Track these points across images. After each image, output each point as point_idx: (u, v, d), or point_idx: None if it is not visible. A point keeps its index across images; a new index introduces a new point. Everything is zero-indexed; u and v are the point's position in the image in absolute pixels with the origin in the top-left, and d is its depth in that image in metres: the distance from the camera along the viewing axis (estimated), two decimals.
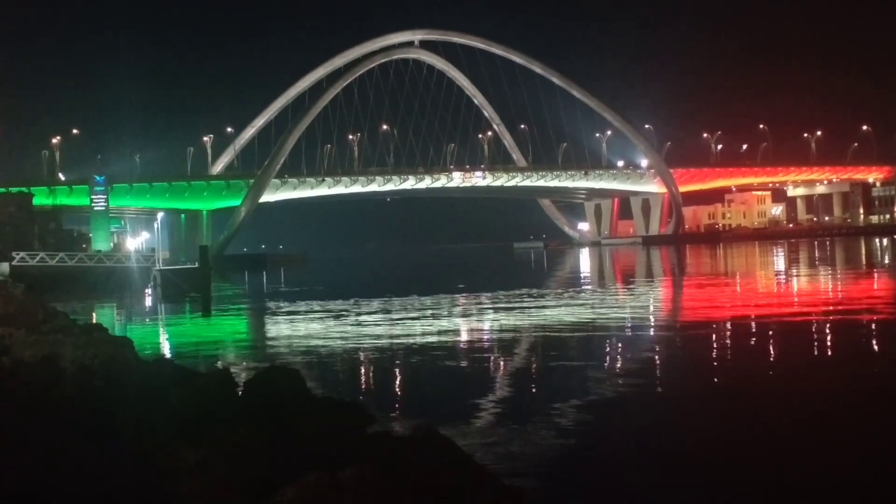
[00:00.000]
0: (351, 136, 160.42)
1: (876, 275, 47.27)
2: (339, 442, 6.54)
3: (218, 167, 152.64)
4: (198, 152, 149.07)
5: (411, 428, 10.67)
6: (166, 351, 23.23)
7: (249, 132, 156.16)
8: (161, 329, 32.00)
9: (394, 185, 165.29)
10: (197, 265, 51.63)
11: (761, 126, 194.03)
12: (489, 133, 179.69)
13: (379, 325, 27.43)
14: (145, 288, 55.11)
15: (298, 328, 28.71)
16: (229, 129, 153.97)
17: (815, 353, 18.08)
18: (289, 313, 35.59)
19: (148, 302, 47.94)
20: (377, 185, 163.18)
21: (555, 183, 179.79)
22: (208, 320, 35.06)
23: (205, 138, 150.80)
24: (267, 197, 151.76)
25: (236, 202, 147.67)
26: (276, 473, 5.82)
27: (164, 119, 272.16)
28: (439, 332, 24.31)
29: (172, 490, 5.70)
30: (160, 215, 78.41)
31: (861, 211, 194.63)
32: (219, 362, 18.72)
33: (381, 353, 20.22)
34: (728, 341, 20.79)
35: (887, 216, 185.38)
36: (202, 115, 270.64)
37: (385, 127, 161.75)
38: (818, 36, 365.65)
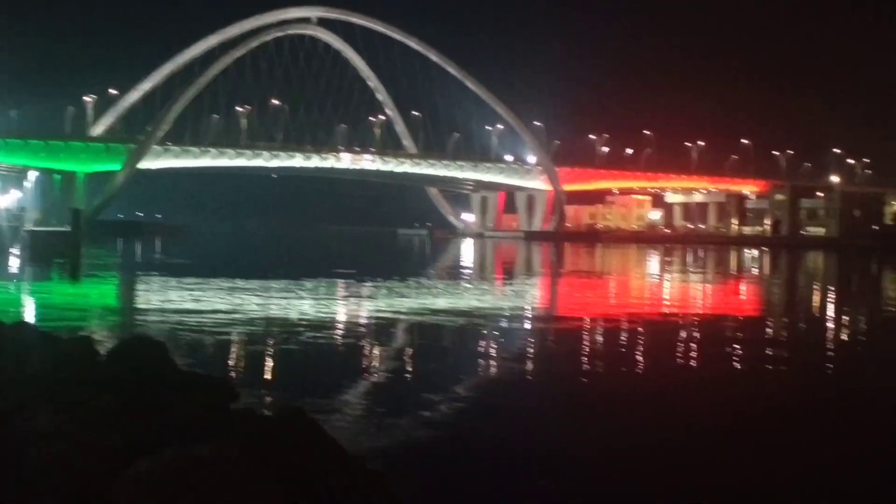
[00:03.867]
0: (240, 109, 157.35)
1: (741, 282, 49.22)
2: (201, 417, 6.39)
3: (98, 129, 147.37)
4: (78, 112, 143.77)
5: (277, 408, 10.56)
6: (29, 315, 22.34)
7: (134, 95, 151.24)
8: (25, 292, 30.76)
9: (281, 161, 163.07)
10: (68, 228, 49.82)
11: (646, 132, 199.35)
12: (382, 117, 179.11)
13: (255, 303, 27.03)
14: (11, 248, 52.87)
15: (170, 300, 28.04)
16: (113, 91, 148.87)
17: (680, 350, 18.65)
18: (162, 285, 34.72)
19: (14, 263, 45.99)
20: (263, 161, 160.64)
21: (444, 172, 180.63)
22: (76, 286, 33.90)
23: (86, 98, 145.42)
24: (148, 163, 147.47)
25: (115, 166, 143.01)
26: (134, 444, 5.64)
27: (44, 74, 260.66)
28: (316, 315, 24.11)
29: (26, 455, 5.48)
30: (33, 174, 75.30)
31: (734, 221, 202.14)
32: (83, 329, 18.10)
33: (254, 332, 19.92)
34: (599, 336, 21.26)
35: (759, 228, 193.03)
36: (85, 73, 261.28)
37: (276, 102, 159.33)
38: (705, 50, 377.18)
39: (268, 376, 14.39)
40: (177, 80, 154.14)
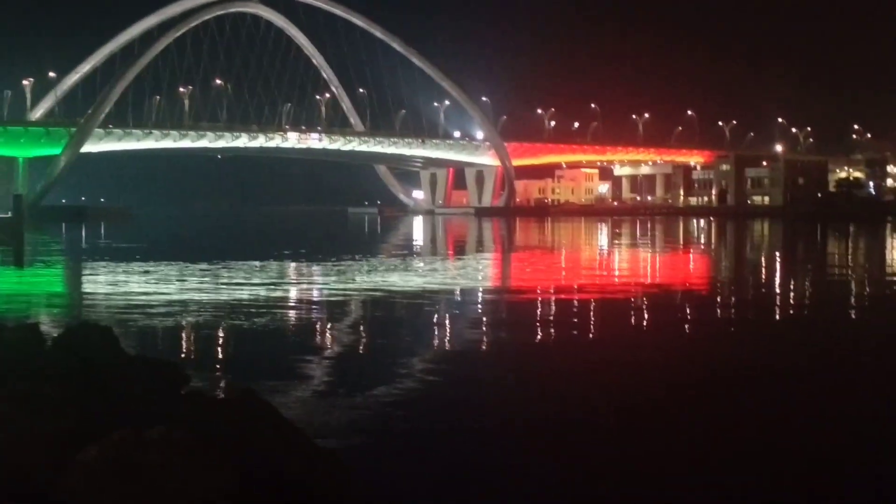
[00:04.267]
0: (182, 89, 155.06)
1: (689, 252, 49.87)
2: (151, 402, 6.29)
3: (37, 113, 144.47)
4: (17, 96, 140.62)
5: (228, 389, 10.46)
6: None
7: (73, 78, 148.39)
8: None
9: (226, 141, 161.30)
10: (10, 215, 48.84)
11: (592, 105, 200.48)
12: (327, 95, 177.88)
13: (204, 286, 26.75)
14: None
15: (117, 286, 27.65)
16: (52, 74, 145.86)
17: (631, 320, 18.84)
18: (108, 270, 34.21)
19: None
20: (208, 142, 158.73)
21: (392, 150, 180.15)
22: (20, 273, 33.28)
23: (24, 81, 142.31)
24: (89, 147, 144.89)
25: (56, 151, 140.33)
26: (82, 431, 5.54)
27: None
28: (267, 296, 23.94)
29: None
30: None
31: (681, 192, 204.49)
32: (29, 317, 17.78)
33: (204, 315, 19.72)
34: (553, 309, 21.40)
35: (705, 198, 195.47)
36: (22, 56, 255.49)
37: (219, 82, 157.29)
38: (649, 22, 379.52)
39: (219, 359, 14.25)
40: (117, 61, 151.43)
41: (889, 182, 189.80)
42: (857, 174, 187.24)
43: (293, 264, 37.47)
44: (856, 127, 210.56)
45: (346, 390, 11.54)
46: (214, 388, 10.51)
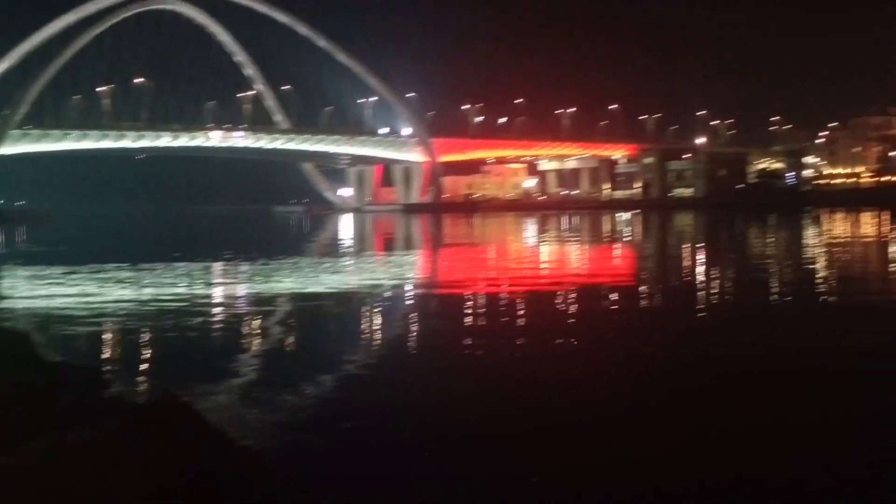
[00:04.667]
0: (102, 89, 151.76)
1: (615, 244, 50.57)
2: (71, 408, 6.21)
3: None
4: None
5: (150, 394, 10.33)
6: None
7: None
8: None
9: (147, 141, 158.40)
10: None
11: (518, 101, 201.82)
12: (251, 92, 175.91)
13: (126, 289, 26.26)
14: None
15: (37, 290, 27.00)
16: None
17: (562, 315, 19.05)
18: (28, 274, 33.39)
19: None
20: (129, 141, 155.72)
21: (318, 147, 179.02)
22: None
23: None
24: (7, 149, 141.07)
25: None
26: (5, 437, 5.45)
27: None
28: (191, 299, 23.60)
29: None
30: None
31: (607, 186, 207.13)
32: None
33: (126, 320, 19.37)
34: (482, 306, 21.51)
35: (630, 192, 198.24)
36: None
37: (139, 80, 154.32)
38: (573, 17, 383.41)
39: (141, 363, 14.03)
40: (34, 61, 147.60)
41: (807, 172, 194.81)
42: (777, 165, 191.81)
43: (218, 265, 37.01)
44: (774, 119, 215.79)
45: (268, 391, 11.46)
46: (135, 393, 10.35)
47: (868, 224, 66.44)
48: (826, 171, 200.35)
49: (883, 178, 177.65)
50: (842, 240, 48.14)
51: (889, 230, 56.36)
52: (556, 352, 14.32)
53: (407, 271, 34.75)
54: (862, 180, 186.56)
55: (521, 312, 19.98)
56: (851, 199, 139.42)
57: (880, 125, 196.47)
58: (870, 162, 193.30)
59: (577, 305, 21.13)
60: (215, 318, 19.84)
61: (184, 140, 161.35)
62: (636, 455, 8.57)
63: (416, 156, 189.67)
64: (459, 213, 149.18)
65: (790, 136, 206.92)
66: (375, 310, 21.12)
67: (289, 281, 28.79)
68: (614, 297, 22.92)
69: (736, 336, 15.81)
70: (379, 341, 16.31)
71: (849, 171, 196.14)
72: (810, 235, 54.37)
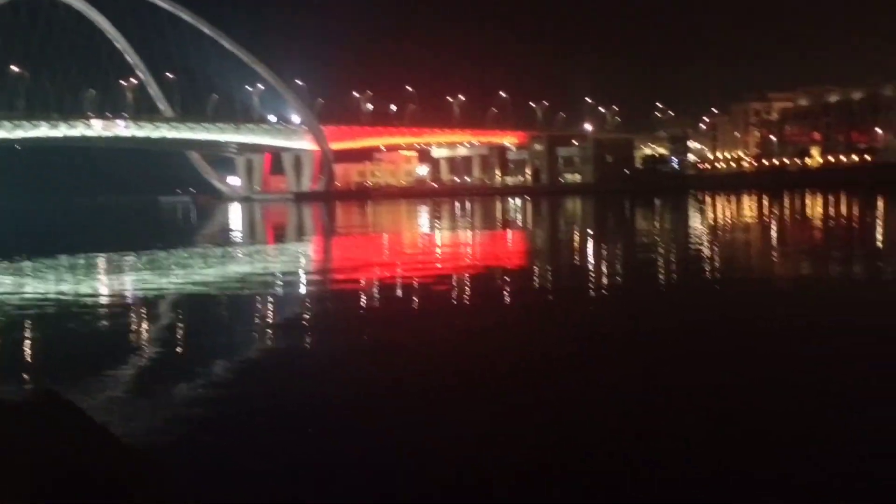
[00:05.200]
0: None
1: (506, 230, 51.01)
2: None
3: None
4: None
5: (28, 392, 9.79)
6: None
7: None
8: None
9: (24, 131, 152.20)
10: None
11: (409, 88, 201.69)
12: (133, 80, 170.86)
13: (5, 286, 25.09)
14: None
15: None
16: None
17: (457, 301, 18.98)
18: None
19: None
20: (5, 132, 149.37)
21: (204, 136, 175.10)
22: None
23: None
24: None
25: None
26: None
27: None
28: (75, 295, 22.68)
29: None
30: None
31: (498, 173, 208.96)
32: None
33: (4, 317, 18.46)
34: (377, 295, 21.29)
35: (521, 178, 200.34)
36: None
37: (15, 69, 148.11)
38: (464, 4, 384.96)
39: (21, 361, 13.34)
40: None
41: (691, 157, 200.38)
42: (662, 150, 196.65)
43: (102, 258, 35.78)
44: (659, 105, 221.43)
45: (158, 388, 11.04)
46: (14, 391, 9.79)
47: (749, 207, 68.69)
48: (709, 156, 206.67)
49: (763, 163, 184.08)
50: (725, 222, 49.59)
51: (769, 213, 58.36)
52: (446, 337, 14.22)
53: (299, 260, 34.22)
54: (743, 164, 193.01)
55: (414, 299, 19.83)
56: (733, 183, 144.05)
57: (760, 110, 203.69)
58: (750, 146, 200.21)
59: (469, 291, 21.10)
60: (104, 314, 19.08)
61: (63, 129, 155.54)
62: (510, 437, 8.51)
63: (306, 143, 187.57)
64: (352, 202, 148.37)
65: (675, 122, 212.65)
66: (267, 301, 20.66)
67: (177, 274, 27.98)
68: (506, 281, 22.99)
69: (614, 320, 16.00)
70: (270, 332, 15.92)
71: (730, 155, 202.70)
72: (696, 219, 55.85)
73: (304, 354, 13.39)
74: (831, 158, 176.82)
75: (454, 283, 22.59)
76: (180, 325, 17.28)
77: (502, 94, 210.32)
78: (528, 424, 8.99)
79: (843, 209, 59.86)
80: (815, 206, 65.22)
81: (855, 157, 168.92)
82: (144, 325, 16.98)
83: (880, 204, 64.09)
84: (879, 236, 36.03)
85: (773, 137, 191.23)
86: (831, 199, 75.16)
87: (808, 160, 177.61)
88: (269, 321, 17.32)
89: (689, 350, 12.65)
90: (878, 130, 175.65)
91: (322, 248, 42.26)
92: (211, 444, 8.65)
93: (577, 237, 43.43)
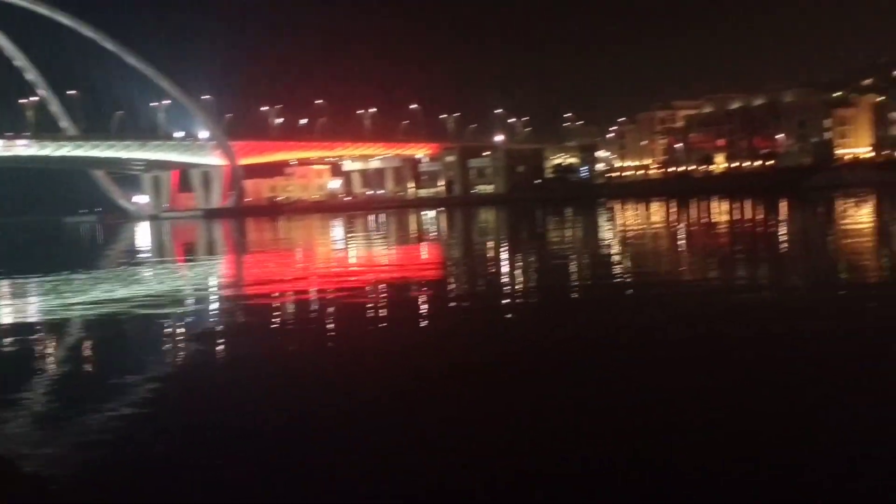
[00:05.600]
0: None
1: (421, 242, 50.84)
2: None
3: None
4: None
5: None
6: None
7: None
8: None
9: None
10: None
11: (319, 101, 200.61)
12: (34, 98, 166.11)
13: None
14: None
15: None
16: None
17: (373, 316, 18.64)
18: None
19: None
20: None
21: (109, 153, 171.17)
22: None
23: None
24: None
25: None
26: None
27: None
28: None
29: None
30: None
31: (411, 185, 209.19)
32: None
33: None
34: (290, 310, 20.82)
35: (434, 190, 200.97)
36: None
37: None
38: (374, 17, 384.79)
39: None
40: None
41: (600, 166, 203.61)
42: (571, 160, 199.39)
43: (4, 283, 34.45)
44: (568, 115, 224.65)
45: (63, 412, 10.54)
46: None
47: (657, 213, 69.89)
48: (617, 164, 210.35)
49: (669, 170, 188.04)
50: (635, 229, 50.29)
51: (676, 219, 59.43)
52: (359, 354, 13.92)
53: (208, 279, 33.42)
54: (651, 172, 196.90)
55: (328, 315, 19.44)
56: (642, 190, 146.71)
57: (665, 118, 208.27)
58: (657, 154, 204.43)
59: (384, 304, 20.81)
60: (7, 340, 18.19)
61: None
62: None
63: (215, 159, 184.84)
64: (263, 217, 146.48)
65: (583, 132, 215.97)
66: (175, 320, 20.00)
67: (82, 295, 26.97)
68: (421, 293, 22.76)
69: (520, 332, 15.92)
70: (179, 352, 15.36)
71: (638, 163, 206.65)
72: (606, 226, 56.53)
73: (207, 376, 12.91)
74: (735, 164, 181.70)
75: (367, 297, 22.24)
76: (85, 348, 16.56)
77: (414, 106, 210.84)
78: (419, 447, 8.75)
79: (748, 213, 61.33)
80: (720, 211, 66.68)
81: (757, 162, 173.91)
82: (49, 350, 16.23)
83: (782, 207, 65.89)
84: (782, 238, 36.99)
85: (678, 145, 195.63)
86: (736, 203, 77.01)
87: (712, 166, 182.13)
88: (177, 341, 16.71)
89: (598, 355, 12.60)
90: (779, 136, 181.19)
91: (234, 265, 41.40)
92: (113, 467, 8.23)
93: (491, 247, 43.47)
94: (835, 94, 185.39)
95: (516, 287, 23.94)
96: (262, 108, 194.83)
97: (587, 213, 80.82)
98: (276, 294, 24.61)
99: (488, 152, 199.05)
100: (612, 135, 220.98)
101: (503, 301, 20.58)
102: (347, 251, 46.24)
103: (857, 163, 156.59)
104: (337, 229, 78.44)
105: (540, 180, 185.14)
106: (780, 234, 39.92)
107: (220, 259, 46.48)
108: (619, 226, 54.61)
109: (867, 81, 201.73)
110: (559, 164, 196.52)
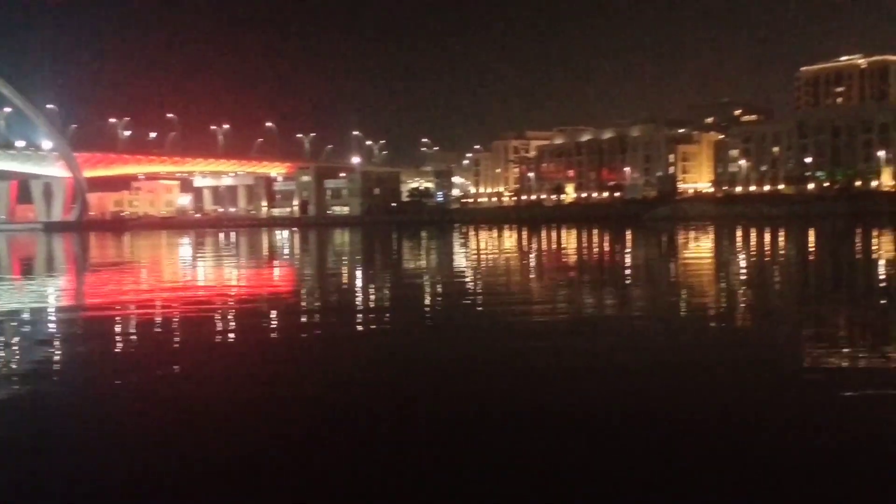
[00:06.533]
0: None
1: (273, 262, 50.07)
2: None
3: None
4: None
5: None
6: None
7: None
8: None
9: None
10: None
11: (170, 115, 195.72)
12: None
13: None
14: None
15: None
16: None
17: (220, 337, 18.12)
18: None
19: None
20: None
21: None
22: None
23: None
24: None
25: None
26: None
27: None
28: None
29: None
30: None
31: (264, 204, 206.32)
32: None
33: None
34: (132, 330, 20.01)
35: (288, 209, 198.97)
36: None
37: None
38: (234, 32, 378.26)
39: None
40: None
41: (455, 191, 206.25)
42: (428, 184, 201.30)
43: None
44: (425, 140, 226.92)
45: None
46: None
47: (508, 239, 71.13)
48: (472, 191, 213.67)
49: (522, 197, 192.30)
50: (485, 254, 51.00)
51: (527, 245, 60.63)
52: (203, 375, 13.48)
53: (47, 297, 31.84)
54: (504, 199, 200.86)
55: (167, 336, 18.77)
56: (495, 217, 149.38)
57: (518, 147, 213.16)
58: (510, 182, 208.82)
59: (230, 326, 20.29)
60: None
61: None
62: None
63: (58, 171, 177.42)
64: (107, 232, 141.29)
65: (440, 157, 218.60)
66: (8, 341, 18.89)
67: None
68: (269, 316, 22.32)
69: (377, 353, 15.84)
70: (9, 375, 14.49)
71: (492, 190, 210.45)
72: (460, 251, 57.13)
73: (45, 397, 12.22)
74: (584, 194, 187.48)
75: (211, 318, 21.63)
76: None
77: (269, 124, 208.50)
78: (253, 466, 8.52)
79: (595, 240, 63.17)
80: (569, 239, 68.46)
81: (605, 194, 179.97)
82: None
83: (627, 235, 68.19)
84: (627, 263, 38.28)
85: (531, 174, 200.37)
86: (584, 232, 79.24)
87: (563, 196, 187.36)
88: (13, 363, 15.77)
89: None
90: (626, 169, 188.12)
91: (75, 282, 39.60)
92: None
93: (344, 269, 43.18)
94: (679, 131, 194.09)
95: (367, 311, 23.79)
96: (110, 120, 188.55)
97: (443, 237, 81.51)
98: (121, 314, 23.63)
99: (345, 174, 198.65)
100: (468, 161, 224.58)
101: (352, 325, 20.41)
102: (195, 272, 44.95)
103: (697, 197, 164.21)
104: (185, 248, 76.32)
105: (396, 203, 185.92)
106: (623, 260, 41.28)
107: (61, 276, 44.40)
108: (471, 250, 55.30)
109: (709, 120, 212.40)
110: (416, 189, 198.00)
